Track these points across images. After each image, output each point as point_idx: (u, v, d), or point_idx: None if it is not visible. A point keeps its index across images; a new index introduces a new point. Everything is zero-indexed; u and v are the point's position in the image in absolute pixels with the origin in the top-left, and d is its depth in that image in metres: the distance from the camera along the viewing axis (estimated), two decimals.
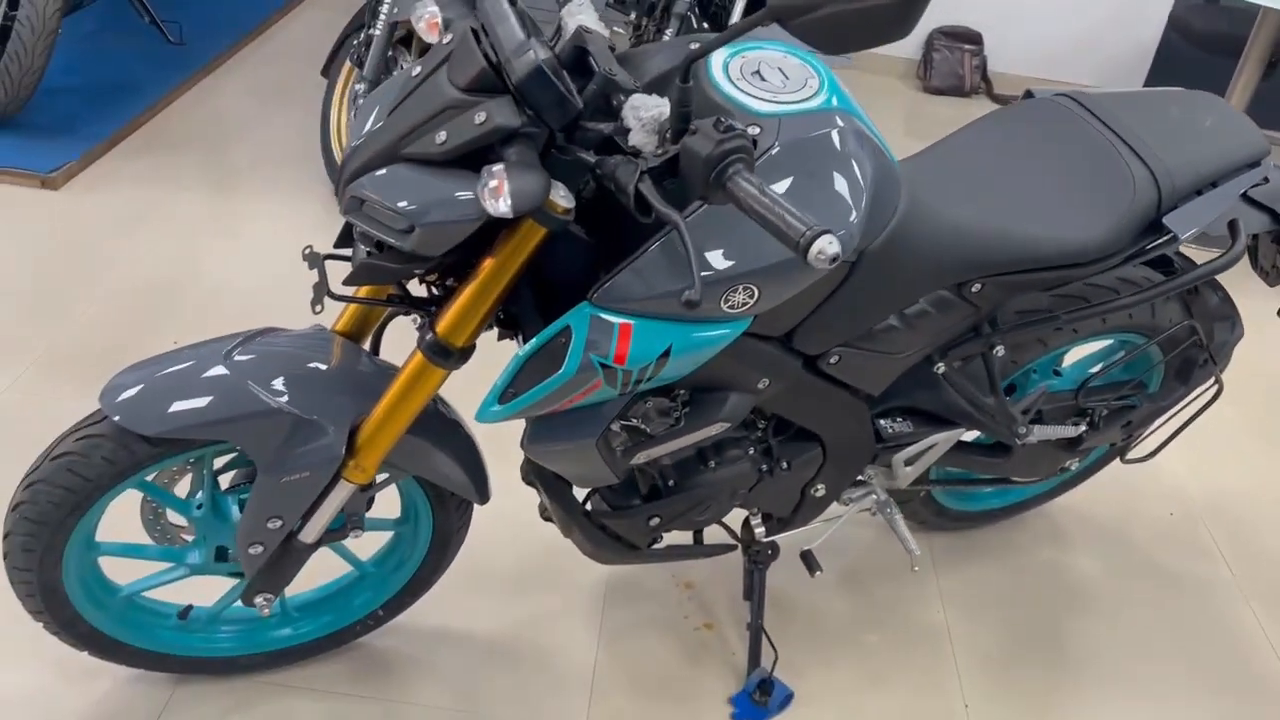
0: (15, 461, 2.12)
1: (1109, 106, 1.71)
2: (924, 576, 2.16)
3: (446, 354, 1.34)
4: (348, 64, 3.24)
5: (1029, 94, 1.80)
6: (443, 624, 1.91)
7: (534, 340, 1.29)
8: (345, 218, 1.26)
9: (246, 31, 4.16)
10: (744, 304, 1.29)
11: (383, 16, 3.02)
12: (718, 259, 1.25)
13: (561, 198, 1.19)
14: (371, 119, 1.30)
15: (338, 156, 3.20)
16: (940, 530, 2.26)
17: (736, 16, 3.36)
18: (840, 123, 1.32)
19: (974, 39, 4.65)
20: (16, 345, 2.44)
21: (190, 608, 1.68)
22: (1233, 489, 2.49)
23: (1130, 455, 2.10)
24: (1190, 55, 4.30)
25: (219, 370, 1.38)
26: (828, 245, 0.97)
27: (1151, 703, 1.94)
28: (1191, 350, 1.96)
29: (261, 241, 2.97)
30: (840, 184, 1.29)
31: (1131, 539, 2.32)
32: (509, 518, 2.08)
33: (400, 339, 1.62)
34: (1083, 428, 1.88)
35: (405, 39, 3.12)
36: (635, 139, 1.11)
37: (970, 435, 1.88)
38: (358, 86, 3.10)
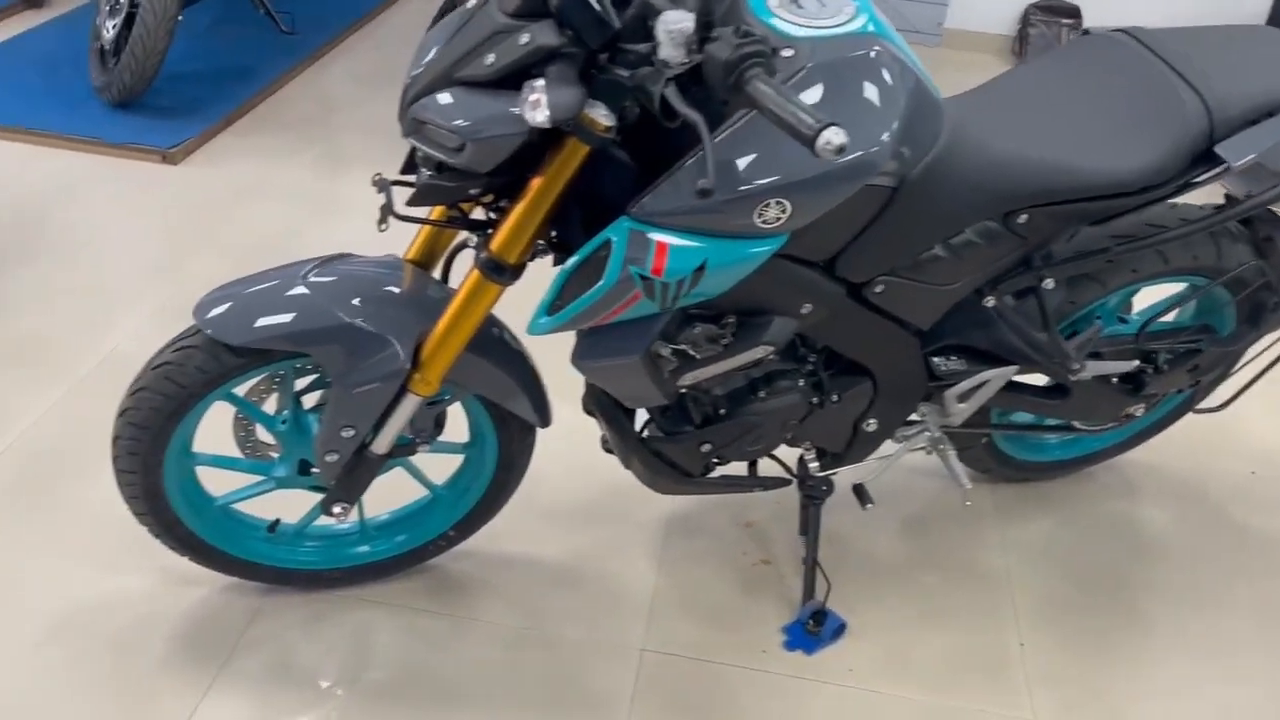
0: None
1: (1164, 40, 1.71)
2: (987, 523, 2.17)
3: (500, 270, 1.44)
4: None
5: (1086, 32, 1.81)
6: (511, 549, 2.01)
7: (578, 253, 1.38)
8: (406, 140, 1.37)
9: (353, 20, 4.38)
10: (777, 219, 1.35)
11: None
12: (750, 172, 1.31)
13: (602, 116, 1.28)
14: (431, 52, 1.40)
15: None
16: (1006, 481, 2.27)
17: None
18: (874, 46, 1.37)
19: (1072, 12, 4.57)
20: (134, 302, 2.65)
21: (278, 521, 1.83)
22: None
23: (1201, 404, 2.08)
24: None
25: (298, 289, 1.51)
26: (834, 136, 1.03)
27: (1216, 659, 1.92)
28: (1262, 293, 1.93)
29: (366, 212, 3.14)
30: (869, 103, 1.34)
31: (1207, 496, 2.29)
32: (575, 454, 2.17)
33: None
34: (1142, 364, 1.87)
35: None
36: (664, 52, 1.19)
37: (1027, 377, 1.89)
38: None
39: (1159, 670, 1.88)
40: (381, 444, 1.62)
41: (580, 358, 1.53)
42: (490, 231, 1.46)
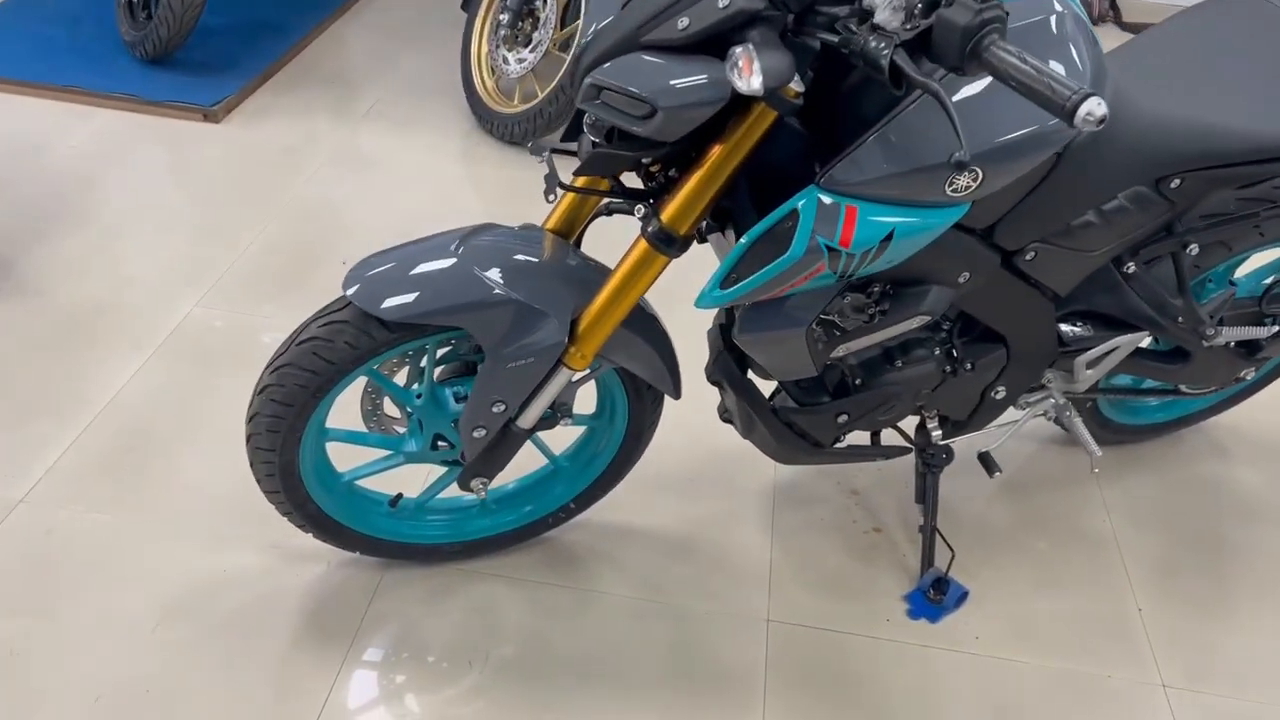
0: (207, 372, 2.26)
1: None
2: (1087, 487, 2.17)
3: (670, 241, 1.40)
4: None
5: None
6: (625, 521, 1.99)
7: (761, 224, 1.34)
8: (581, 106, 1.32)
9: None
10: (966, 188, 1.31)
11: None
12: (938, 146, 1.27)
13: (795, 82, 1.23)
14: (597, 19, 1.35)
15: (479, 88, 3.27)
16: (1102, 444, 2.25)
17: None
18: (1059, 7, 1.33)
19: None
20: (199, 267, 2.57)
21: (400, 496, 1.79)
22: None
23: None
24: None
25: (449, 261, 1.46)
26: (1096, 107, 1.00)
27: None
28: None
29: (410, 170, 3.07)
30: (1061, 69, 1.30)
31: None
32: (678, 423, 2.14)
33: (594, 239, 1.69)
34: (1275, 329, 1.87)
35: None
36: (882, 16, 1.14)
37: (1147, 341, 1.88)
38: (500, 17, 3.17)
39: (1273, 628, 1.90)
40: (529, 419, 1.58)
41: (743, 330, 1.49)
42: (656, 202, 1.42)
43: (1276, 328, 1.89)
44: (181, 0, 3.13)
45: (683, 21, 1.23)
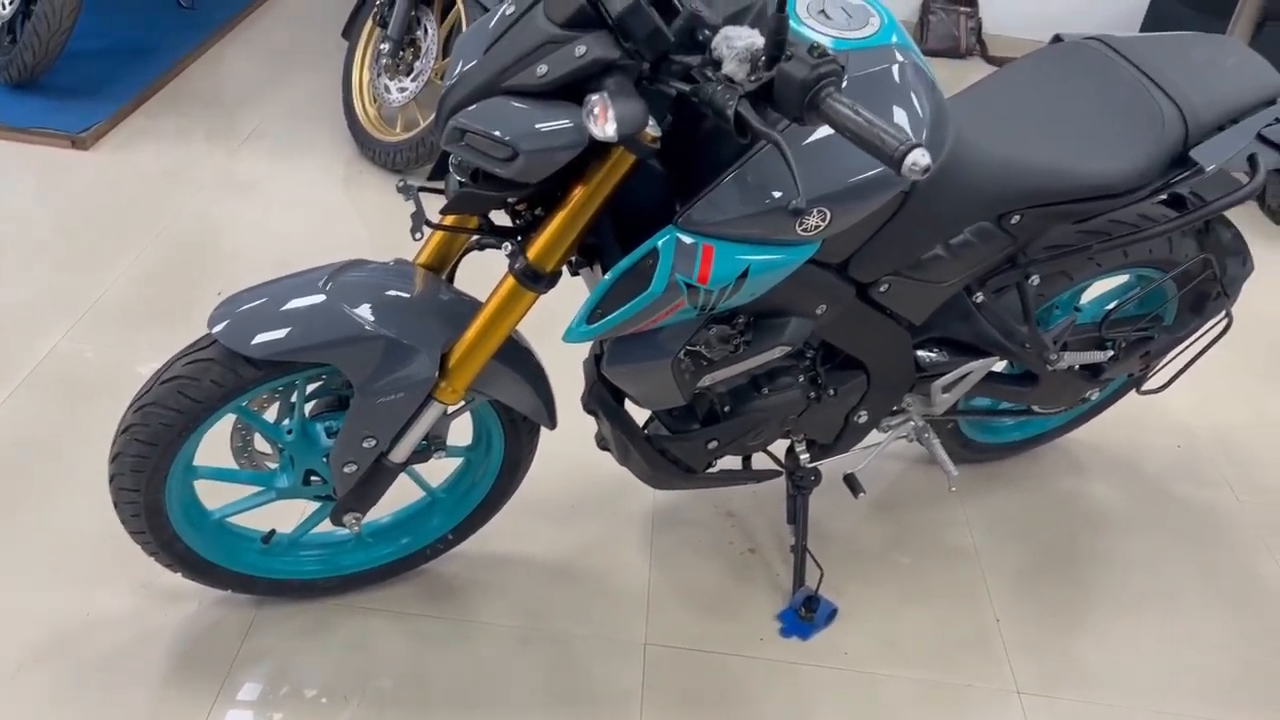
0: (75, 407, 2.21)
1: (1136, 48, 1.82)
2: (950, 503, 2.28)
3: (537, 278, 1.43)
4: (369, 24, 3.30)
5: (1058, 38, 1.90)
6: (503, 549, 2.01)
7: (623, 261, 1.39)
8: (445, 148, 1.35)
9: None
10: (816, 227, 1.38)
11: None
12: (789, 188, 1.34)
13: (651, 127, 1.29)
14: (463, 60, 1.38)
15: (361, 116, 3.27)
16: (964, 462, 2.37)
17: None
18: (900, 58, 1.42)
19: (970, 1, 4.75)
20: (67, 298, 2.51)
21: (273, 532, 1.78)
22: (1234, 423, 2.62)
23: (1146, 386, 2.22)
24: (1180, 15, 4.41)
25: (318, 298, 1.47)
26: (920, 157, 1.07)
27: (1168, 614, 2.07)
28: (1205, 284, 2.07)
29: (290, 196, 3.04)
30: (903, 115, 1.39)
31: (1142, 469, 2.45)
32: (556, 451, 2.17)
33: (470, 273, 1.71)
34: (1109, 353, 1.99)
35: None
36: (729, 68, 1.20)
37: (1000, 365, 1.99)
38: (382, 46, 3.17)
39: (1123, 633, 2.02)
40: (401, 453, 1.59)
41: (611, 363, 1.53)
42: (524, 238, 1.45)
43: (1113, 352, 2.01)
44: (48, 24, 3.05)
45: (541, 69, 1.27)
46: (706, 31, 1.27)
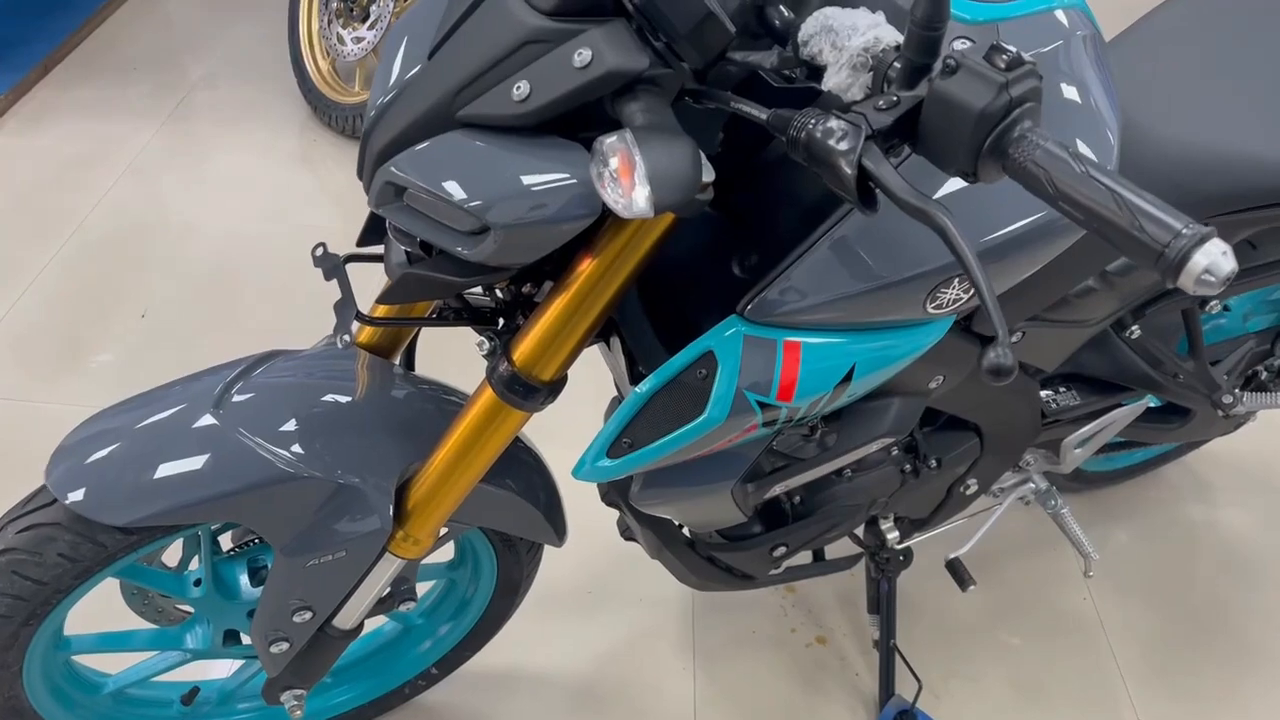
0: None
1: None
2: (1058, 551, 1.82)
3: (529, 391, 0.95)
4: None
5: None
6: (506, 663, 1.57)
7: (656, 375, 0.91)
8: (376, 211, 0.86)
9: None
10: (954, 301, 0.90)
11: None
12: (918, 251, 0.85)
13: (705, 170, 0.79)
14: (401, 60, 0.87)
15: (313, 73, 2.73)
16: (1068, 492, 1.91)
17: None
18: (1070, 25, 0.92)
19: None
20: None
21: (196, 690, 1.33)
22: None
23: None
24: None
25: (208, 421, 0.99)
26: (1222, 260, 0.59)
27: None
28: None
29: (232, 175, 2.54)
30: (1088, 131, 0.89)
31: None
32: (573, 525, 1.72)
33: (431, 346, 1.23)
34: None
35: None
36: (836, 80, 0.71)
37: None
38: None
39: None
40: (349, 619, 1.13)
41: (645, 488, 1.06)
42: (507, 329, 0.97)
43: None
44: None
45: (521, 88, 0.77)
46: (787, 12, 0.77)
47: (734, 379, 0.87)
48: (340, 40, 2.67)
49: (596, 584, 1.69)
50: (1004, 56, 0.64)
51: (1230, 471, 2.01)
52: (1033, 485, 1.54)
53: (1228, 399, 1.43)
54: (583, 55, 0.74)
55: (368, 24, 2.63)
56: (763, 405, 0.89)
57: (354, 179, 2.52)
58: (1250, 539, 1.88)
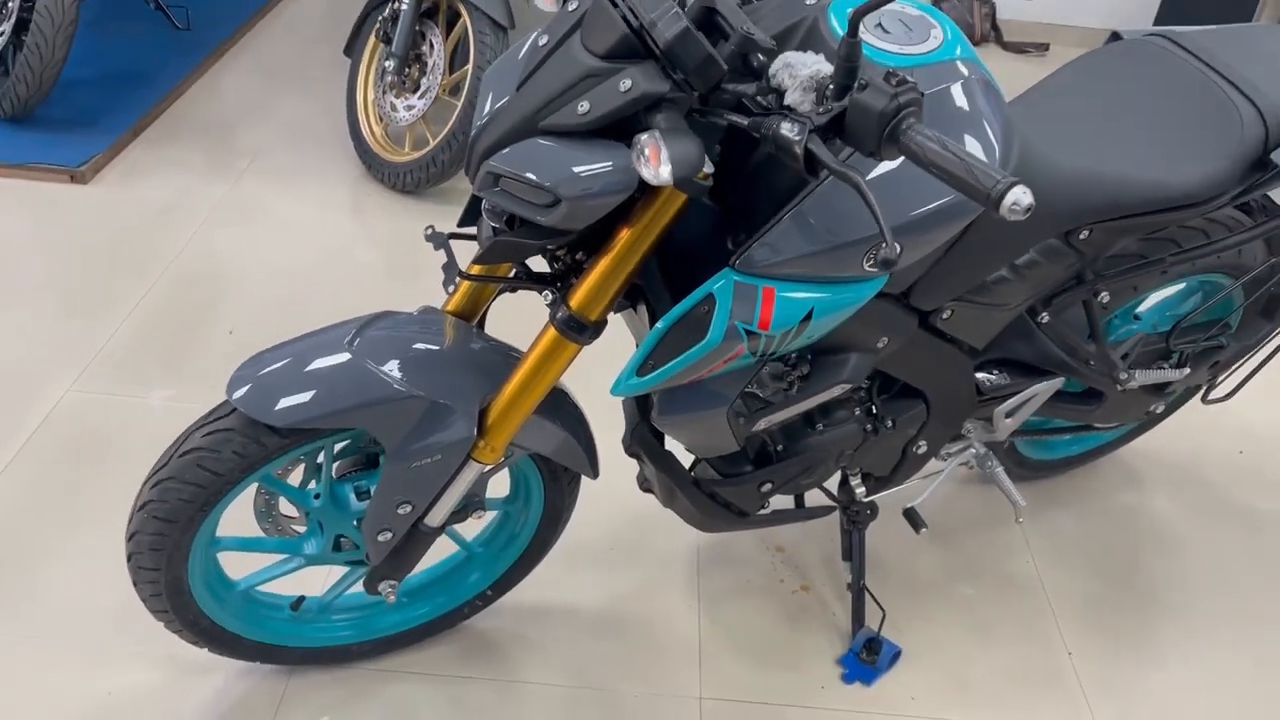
0: (84, 467, 2.10)
1: (1202, 43, 1.69)
2: (1008, 527, 2.16)
3: (581, 328, 1.32)
4: (372, 40, 3.18)
5: (1116, 35, 1.78)
6: (542, 601, 1.90)
7: (674, 311, 1.27)
8: (479, 194, 1.23)
9: (250, 14, 4.08)
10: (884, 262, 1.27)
11: None
12: (857, 222, 1.23)
13: (705, 164, 1.17)
14: (492, 97, 1.26)
15: (367, 135, 3.15)
16: (1019, 480, 2.25)
17: None
18: (967, 73, 1.30)
19: None
20: (71, 346, 2.40)
21: (303, 599, 1.67)
22: None
23: (1211, 395, 2.10)
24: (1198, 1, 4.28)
25: (344, 357, 1.36)
26: (1022, 195, 0.95)
27: (1243, 634, 1.96)
28: (1276, 288, 1.95)
29: (295, 222, 2.93)
30: (975, 140, 1.27)
31: (1205, 478, 2.33)
32: (592, 490, 2.06)
33: (498, 318, 1.60)
34: (1185, 371, 1.88)
35: (430, 12, 3.07)
36: (792, 98, 1.09)
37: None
38: (386, 63, 3.05)
39: (1202, 662, 1.91)
40: (437, 516, 1.48)
41: (662, 414, 1.42)
42: (564, 286, 1.34)
43: (1187, 369, 1.90)
44: (41, 55, 2.94)
45: (583, 106, 1.15)
46: (761, 56, 1.16)
47: (727, 310, 1.24)
48: (393, 108, 3.09)
49: (617, 542, 2.03)
50: (895, 79, 1.02)
51: (1158, 467, 2.35)
52: (974, 450, 1.88)
53: (1123, 376, 1.78)
54: (625, 84, 1.13)
55: (417, 94, 3.05)
56: (748, 333, 1.26)
57: (397, 226, 2.94)
58: (1174, 521, 2.22)
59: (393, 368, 1.35)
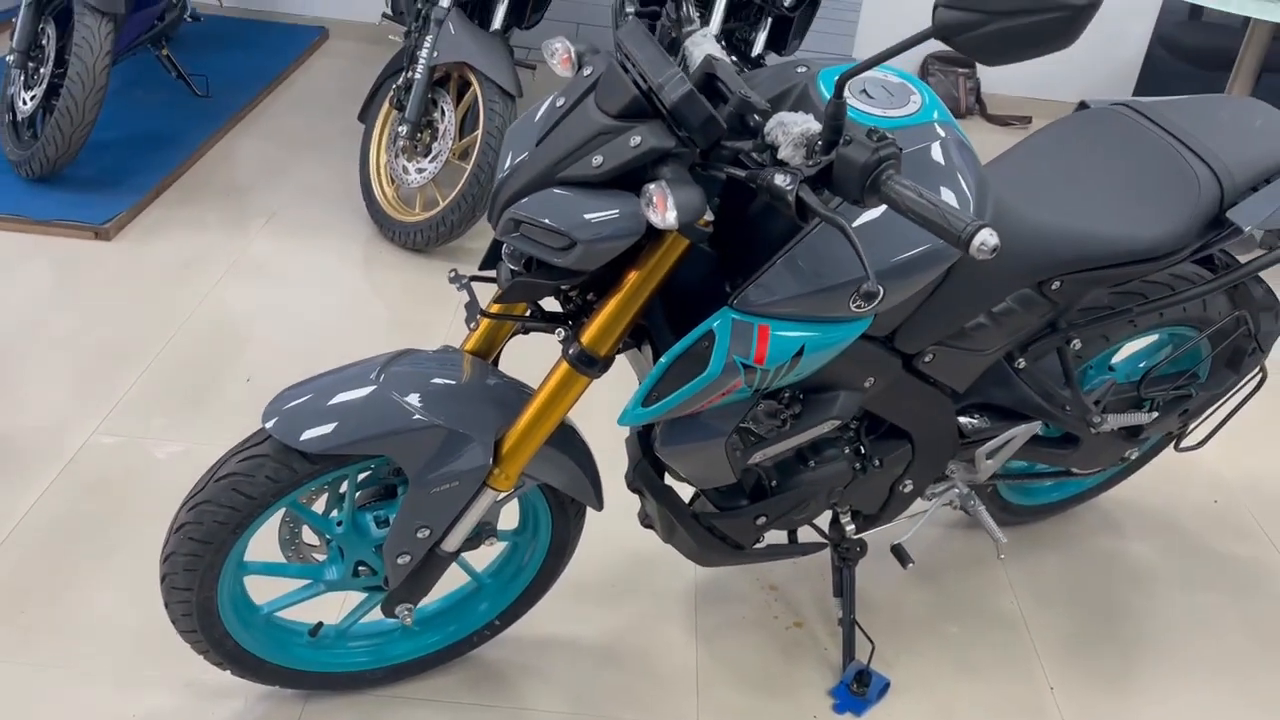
0: (109, 501, 2.19)
1: (1163, 111, 1.84)
2: (992, 568, 2.25)
3: (591, 363, 1.44)
4: (385, 107, 3.35)
5: (1084, 105, 1.93)
6: (547, 632, 1.98)
7: (679, 344, 1.39)
8: (500, 239, 1.36)
9: (268, 82, 4.26)
10: (869, 304, 1.39)
11: (422, 61, 3.14)
12: (844, 267, 1.35)
13: (706, 212, 1.30)
14: (513, 153, 1.40)
15: (379, 197, 3.30)
16: (1003, 525, 2.36)
17: (759, 46, 3.50)
18: (943, 134, 1.44)
19: (968, 63, 4.83)
20: (96, 391, 2.50)
21: (321, 625, 1.75)
22: (1270, 475, 2.61)
23: (1184, 444, 2.22)
24: (1176, 70, 4.49)
25: (370, 389, 1.47)
26: (989, 237, 1.08)
27: (1219, 672, 2.05)
28: (1240, 340, 2.08)
29: (310, 277, 3.05)
30: (951, 191, 1.40)
31: (1180, 526, 2.43)
32: (596, 529, 2.16)
33: (513, 357, 1.71)
34: (1154, 415, 1.99)
35: (442, 80, 3.24)
36: (785, 153, 1.22)
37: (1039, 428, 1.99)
38: (399, 128, 3.21)
39: (1178, 696, 1.99)
40: (453, 541, 1.58)
41: (665, 444, 1.53)
42: (576, 324, 1.46)
43: (1156, 413, 2.01)
44: (71, 119, 3.09)
45: (597, 159, 1.28)
46: (757, 117, 1.29)
47: (726, 345, 1.36)
48: (405, 170, 3.24)
49: (619, 579, 2.12)
50: (876, 135, 1.15)
51: (1137, 514, 2.46)
52: (957, 490, 1.99)
53: (1096, 419, 1.90)
54: (635, 140, 1.26)
55: (429, 158, 3.21)
56: (745, 367, 1.37)
57: (406, 281, 3.08)
58: (1150, 564, 2.32)
59: (415, 400, 1.46)
